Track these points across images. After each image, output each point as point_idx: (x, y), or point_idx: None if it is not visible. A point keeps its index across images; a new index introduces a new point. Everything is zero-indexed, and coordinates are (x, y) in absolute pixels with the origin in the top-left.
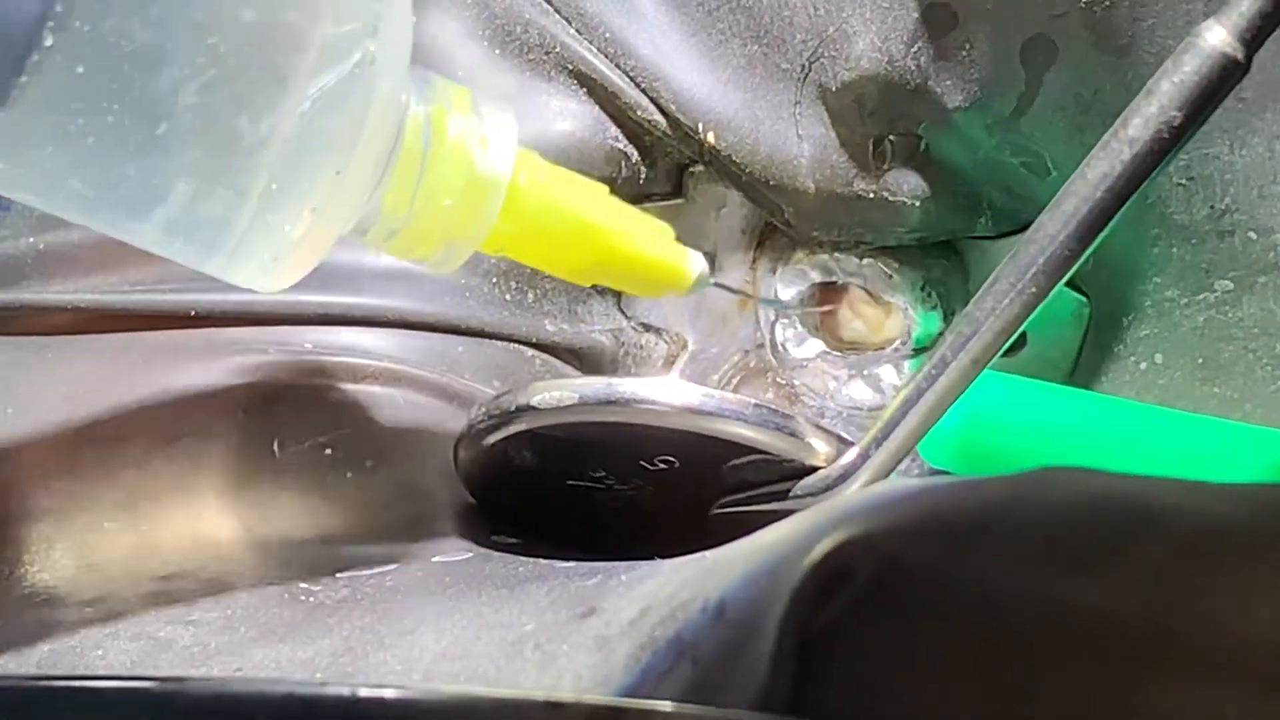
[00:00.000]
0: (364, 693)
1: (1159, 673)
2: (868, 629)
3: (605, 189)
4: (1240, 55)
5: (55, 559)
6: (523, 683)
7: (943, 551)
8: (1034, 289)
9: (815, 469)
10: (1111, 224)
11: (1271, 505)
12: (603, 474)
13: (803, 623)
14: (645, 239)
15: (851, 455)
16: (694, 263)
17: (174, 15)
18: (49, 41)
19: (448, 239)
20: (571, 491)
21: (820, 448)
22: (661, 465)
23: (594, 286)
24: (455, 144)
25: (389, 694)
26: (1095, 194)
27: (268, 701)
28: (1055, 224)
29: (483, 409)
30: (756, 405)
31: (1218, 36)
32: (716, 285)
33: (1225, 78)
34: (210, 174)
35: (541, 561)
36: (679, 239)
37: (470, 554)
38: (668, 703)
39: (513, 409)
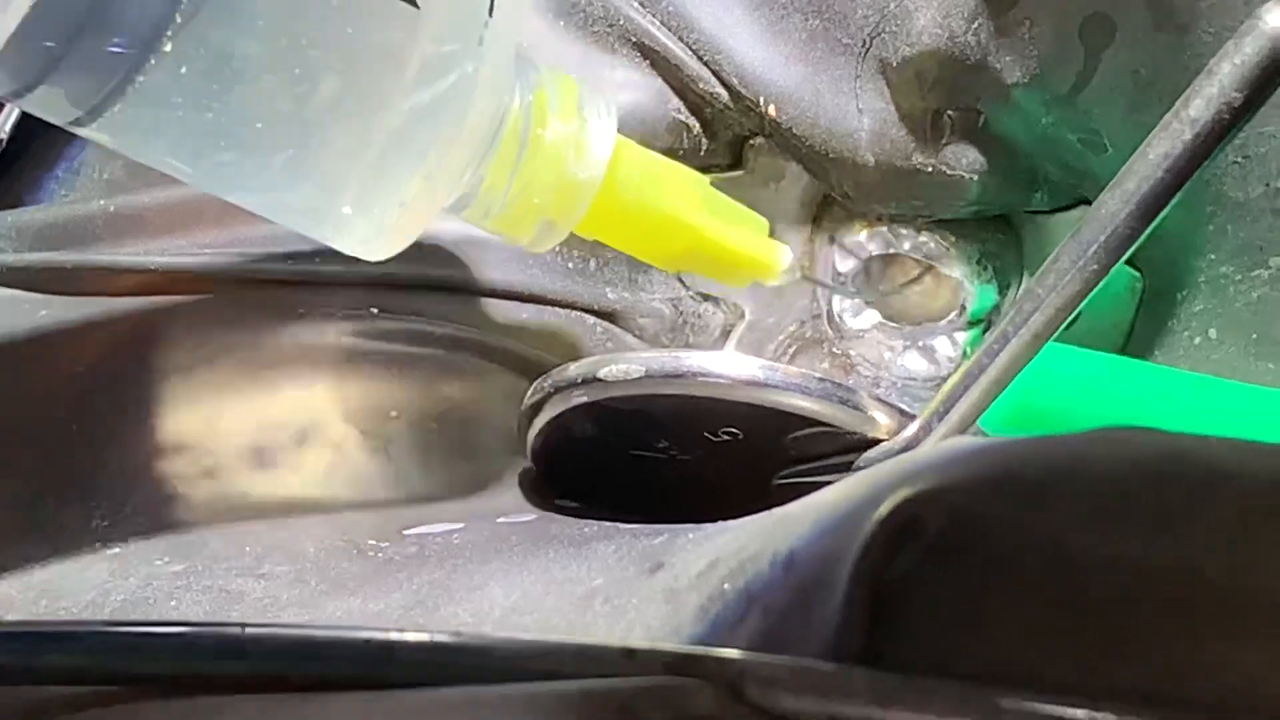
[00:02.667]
0: (442, 639)
1: (1228, 629)
2: (939, 582)
3: (704, 180)
4: None
5: (126, 514)
6: (594, 635)
7: (1014, 507)
8: (1095, 266)
9: (877, 441)
10: (1172, 203)
11: None
12: (666, 445)
13: (873, 575)
14: (735, 233)
15: (914, 428)
16: (782, 257)
17: (278, 29)
18: (168, 47)
19: (541, 224)
20: (634, 462)
21: (882, 420)
22: (725, 437)
23: None
24: (550, 147)
25: (468, 640)
26: (1156, 173)
27: (348, 647)
28: (1116, 202)
29: (548, 379)
30: (820, 379)
31: (1279, 19)
32: (805, 279)
33: None
34: (302, 172)
35: (606, 522)
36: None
37: (535, 515)
38: (739, 652)
39: (579, 380)
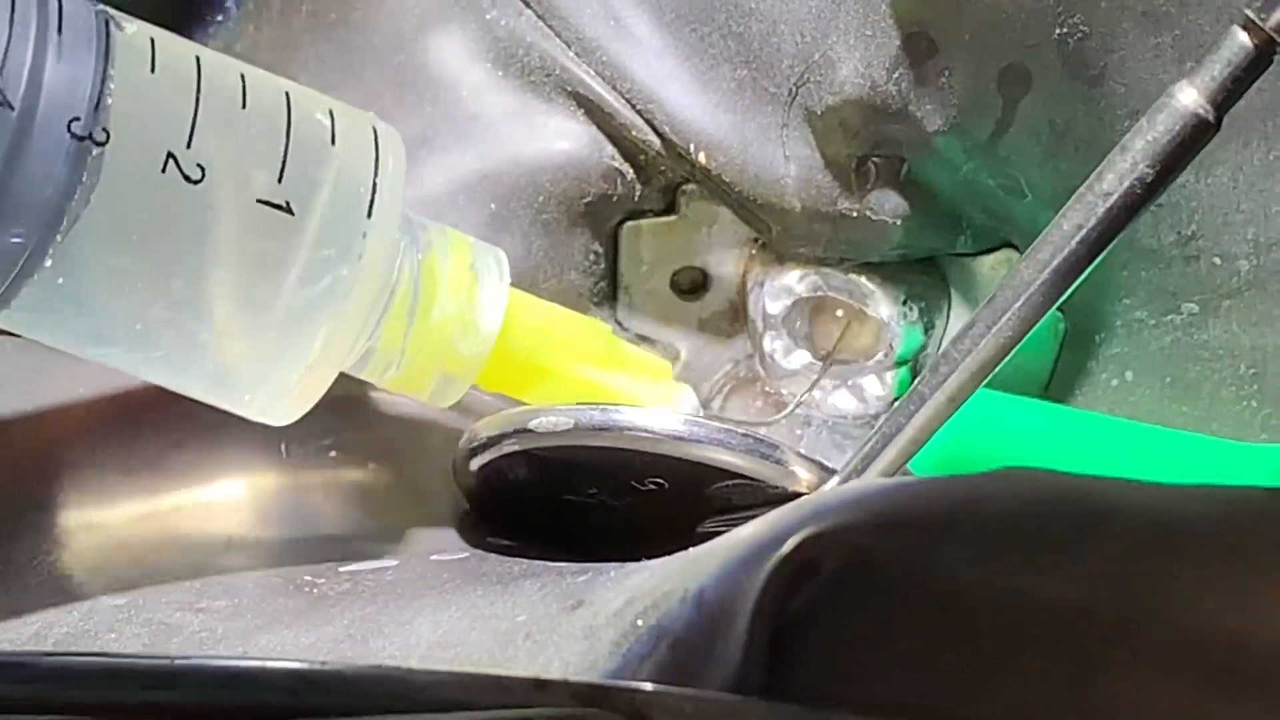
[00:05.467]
0: (362, 669)
1: (1116, 662)
2: (836, 618)
3: (605, 329)
4: (1211, 116)
5: (74, 548)
6: (514, 669)
7: (909, 545)
8: (1010, 332)
9: (798, 495)
10: (1086, 273)
11: (1226, 503)
12: (595, 491)
13: (774, 611)
14: (633, 384)
15: (833, 484)
16: (682, 404)
17: (150, 243)
18: (48, 262)
19: (437, 383)
20: (565, 506)
21: (802, 475)
22: (651, 486)
23: (591, 297)
24: (437, 326)
25: (388, 671)
26: (1069, 244)
27: (272, 677)
28: (1031, 271)
29: (482, 427)
30: (744, 434)
31: (1190, 98)
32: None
33: (1197, 137)
34: (181, 367)
35: (535, 561)
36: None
37: (467, 554)
38: (647, 684)
39: (510, 431)
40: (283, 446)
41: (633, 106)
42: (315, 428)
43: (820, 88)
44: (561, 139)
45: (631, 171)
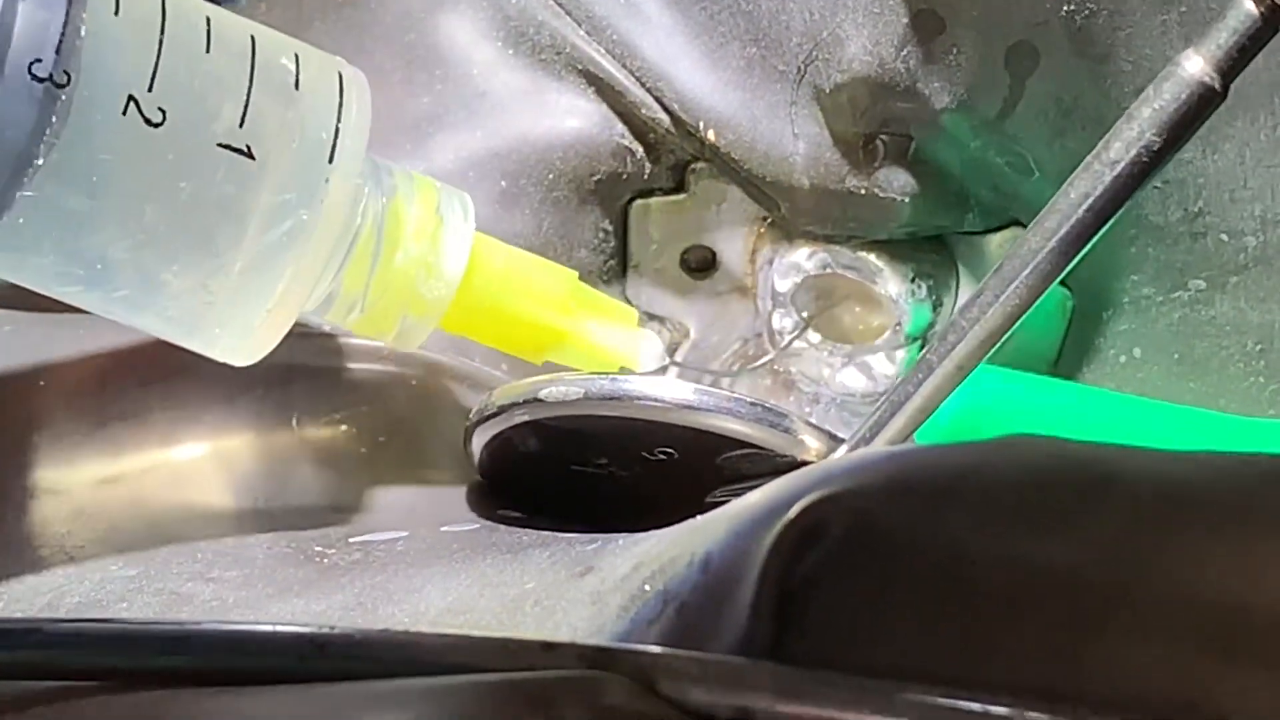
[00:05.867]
0: (371, 634)
1: (1116, 626)
2: (842, 582)
3: (570, 275)
4: (1217, 85)
5: (84, 523)
6: (522, 634)
7: (913, 510)
8: (1017, 300)
9: (806, 463)
10: (1093, 242)
11: (1229, 469)
12: (604, 462)
13: (781, 575)
14: (598, 329)
15: (841, 452)
16: (646, 349)
17: (111, 183)
18: (15, 215)
19: (400, 326)
20: (575, 476)
21: (811, 443)
22: (661, 456)
23: (601, 275)
24: (400, 270)
25: (395, 635)
26: (1076, 213)
27: (282, 641)
28: (1038, 239)
29: (491, 398)
30: (752, 403)
31: (1196, 66)
32: (676, 365)
33: (1203, 106)
34: (140, 307)
35: (545, 531)
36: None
37: (477, 525)
38: (654, 647)
39: (519, 401)
40: (294, 419)
41: (642, 84)
42: (326, 401)
43: (829, 65)
44: (571, 117)
45: (641, 149)
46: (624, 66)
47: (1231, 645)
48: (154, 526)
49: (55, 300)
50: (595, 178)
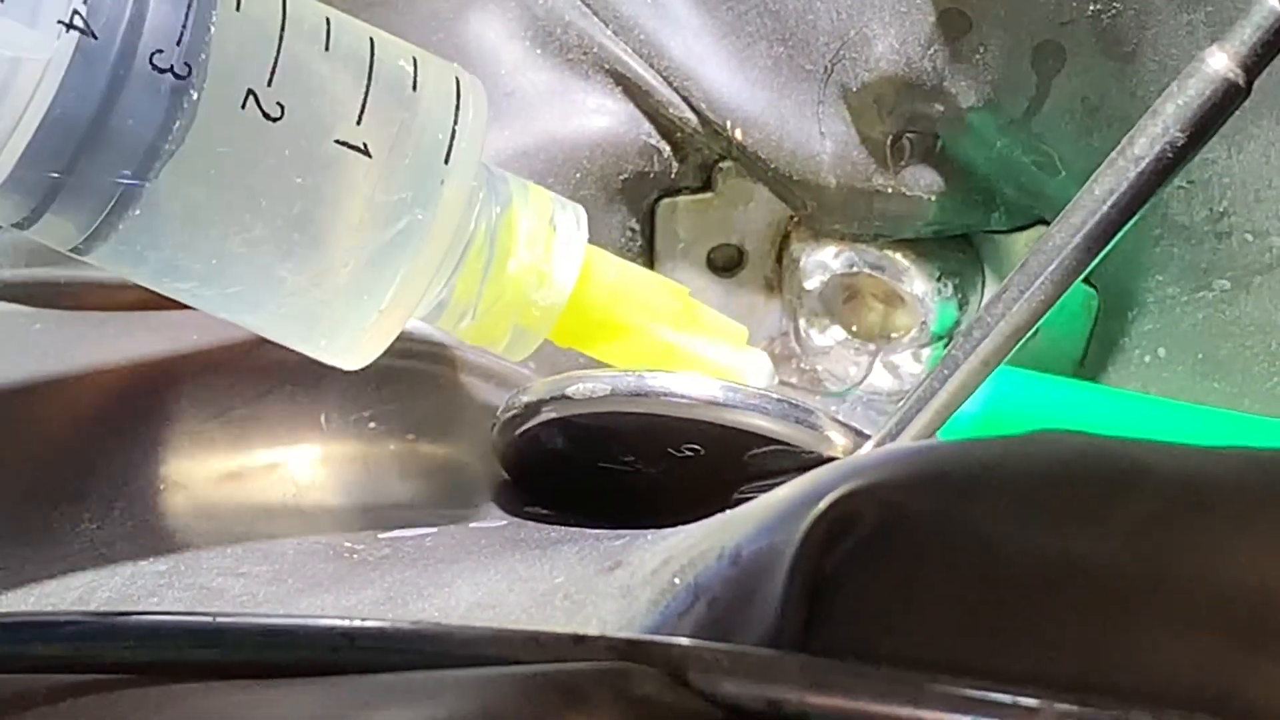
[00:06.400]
0: (402, 626)
1: (1143, 617)
2: (872, 573)
3: (682, 290)
4: (1241, 80)
5: (114, 518)
6: (551, 627)
7: (943, 503)
8: (1042, 296)
9: (833, 460)
10: (1117, 238)
11: (1256, 462)
12: (632, 459)
13: (811, 567)
14: (709, 346)
15: (868, 448)
16: (758, 367)
17: (229, 178)
18: (138, 208)
19: (513, 335)
20: (602, 473)
21: (838, 440)
22: (688, 453)
23: None
24: (513, 277)
25: (425, 627)
26: (1102, 208)
27: (314, 633)
28: (1063, 235)
29: (519, 395)
30: (779, 399)
31: (1220, 62)
32: (783, 384)
33: (1227, 102)
34: (254, 304)
35: (573, 527)
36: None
37: (506, 521)
38: (684, 639)
39: (547, 398)
40: (322, 417)
41: (669, 84)
42: (355, 399)
43: (856, 64)
44: (599, 116)
45: (668, 148)
46: (651, 66)
47: (1259, 636)
48: (182, 523)
49: (83, 299)
50: (622, 176)
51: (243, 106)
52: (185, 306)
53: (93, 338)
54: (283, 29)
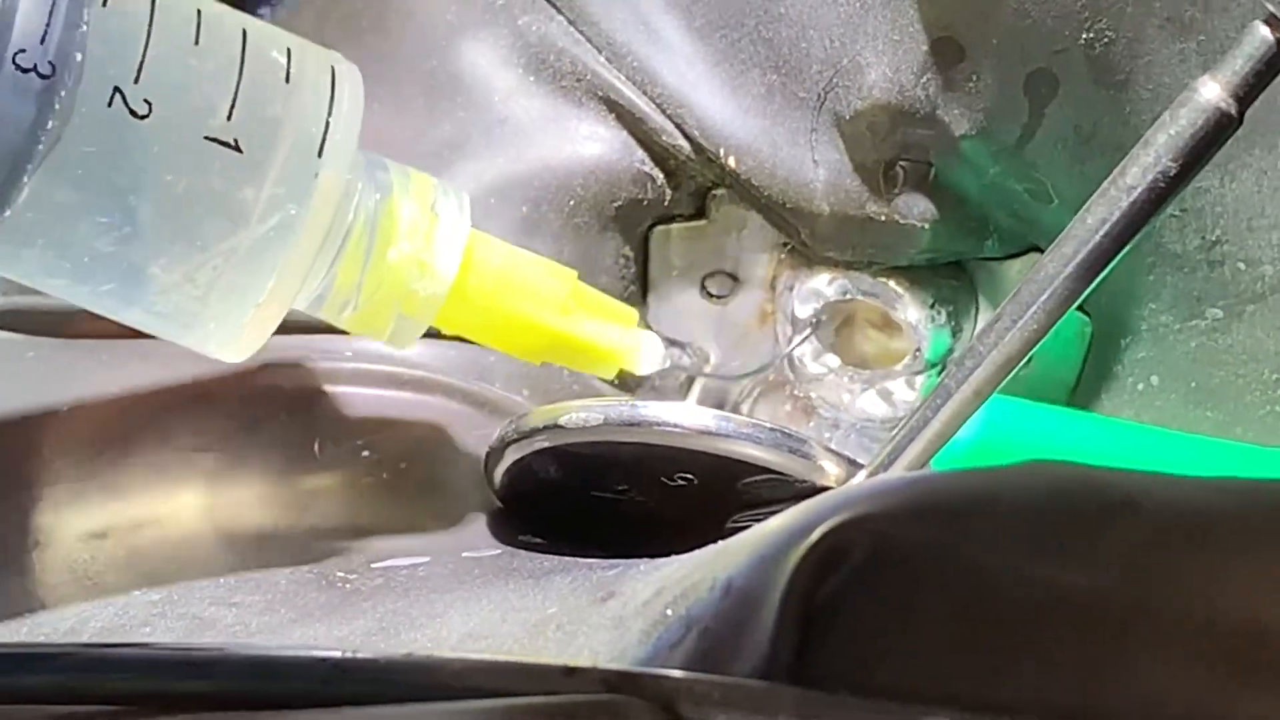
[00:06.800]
0: (394, 658)
1: (1135, 648)
2: (864, 604)
3: (569, 274)
4: (1233, 110)
5: (107, 547)
6: (544, 658)
7: (935, 532)
8: (1034, 326)
9: (826, 489)
10: (1110, 267)
11: (1246, 494)
12: (625, 487)
13: (803, 597)
14: (596, 329)
15: (860, 478)
16: (647, 350)
17: (96, 176)
18: (5, 213)
19: (395, 324)
20: (595, 502)
21: (831, 469)
22: (681, 481)
23: (621, 299)
24: (393, 267)
25: (416, 659)
26: (1094, 238)
27: (306, 665)
28: (1056, 264)
29: (512, 424)
30: (771, 428)
31: (1212, 92)
32: (675, 368)
33: (1219, 131)
34: (127, 302)
35: (566, 557)
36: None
37: (499, 551)
38: (677, 671)
39: (540, 427)
40: (316, 445)
41: (663, 111)
42: (348, 427)
43: (849, 92)
44: (592, 143)
45: (662, 176)
46: (644, 93)
47: (1250, 666)
48: (176, 553)
49: (77, 326)
50: (616, 204)
51: (109, 105)
52: None
53: (87, 365)
54: (151, 23)
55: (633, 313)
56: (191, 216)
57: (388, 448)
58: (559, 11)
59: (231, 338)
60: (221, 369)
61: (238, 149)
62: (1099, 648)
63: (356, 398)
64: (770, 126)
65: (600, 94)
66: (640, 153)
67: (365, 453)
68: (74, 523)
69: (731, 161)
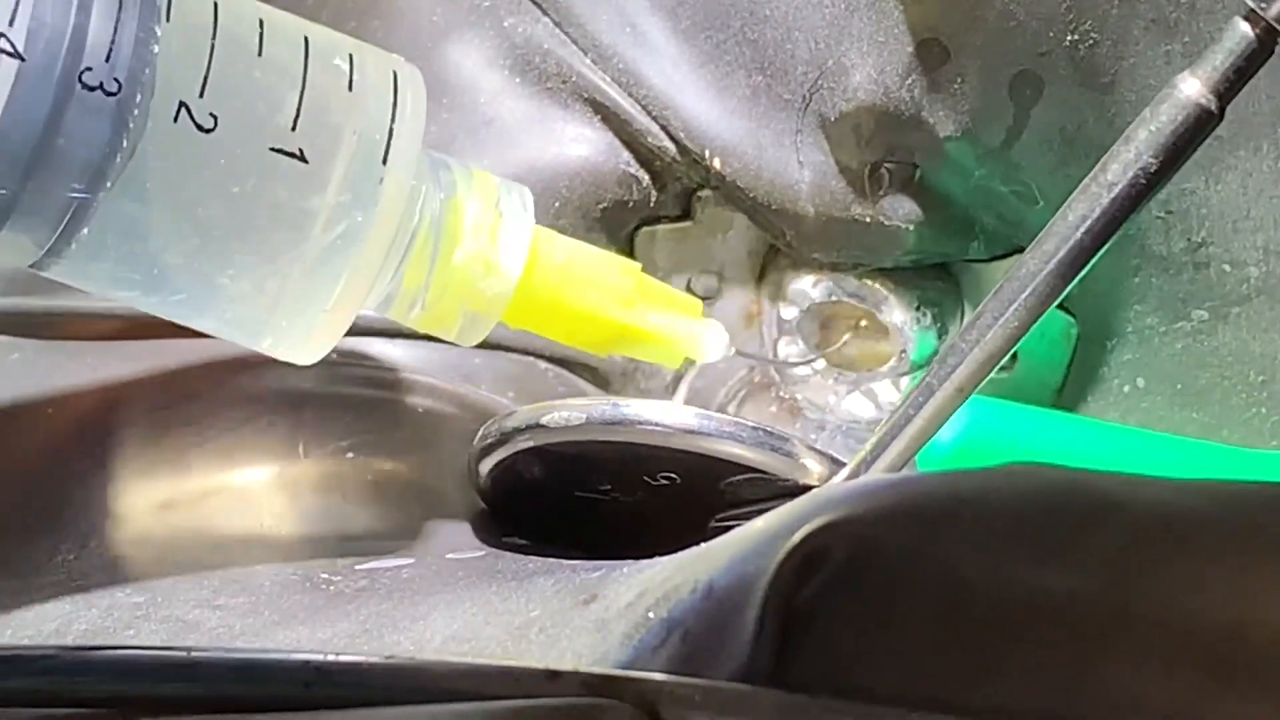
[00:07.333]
0: (376, 661)
1: (1115, 651)
2: (843, 607)
3: (633, 266)
4: (1214, 106)
5: (91, 549)
6: (527, 661)
7: (915, 536)
8: (1016, 323)
9: (809, 488)
10: (1091, 264)
11: (1226, 496)
12: (608, 487)
13: (783, 600)
14: (663, 320)
15: (843, 476)
16: (714, 339)
17: (164, 189)
18: (84, 230)
19: (463, 321)
20: (579, 502)
21: (813, 468)
22: (664, 481)
23: None
24: (459, 267)
25: (399, 662)
26: (1075, 234)
27: (288, 668)
28: (1037, 262)
29: (495, 425)
30: (754, 427)
31: (1193, 88)
32: (739, 354)
33: (1200, 127)
34: (200, 310)
35: (549, 558)
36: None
37: (482, 552)
38: (658, 674)
39: (523, 427)
40: (300, 447)
41: (648, 113)
42: (333, 428)
43: (834, 94)
44: (578, 145)
45: (647, 177)
46: (630, 95)
47: (1229, 669)
48: (159, 554)
49: (62, 329)
50: (601, 205)
51: (175, 120)
52: (162, 335)
53: (70, 367)
54: (214, 37)
55: (697, 303)
56: (258, 227)
57: (372, 449)
58: (545, 13)
59: (301, 342)
60: (205, 369)
61: (303, 159)
62: (1079, 651)
63: (341, 399)
64: (755, 128)
65: (586, 96)
66: (626, 154)
67: (350, 454)
68: (57, 525)
69: (717, 163)
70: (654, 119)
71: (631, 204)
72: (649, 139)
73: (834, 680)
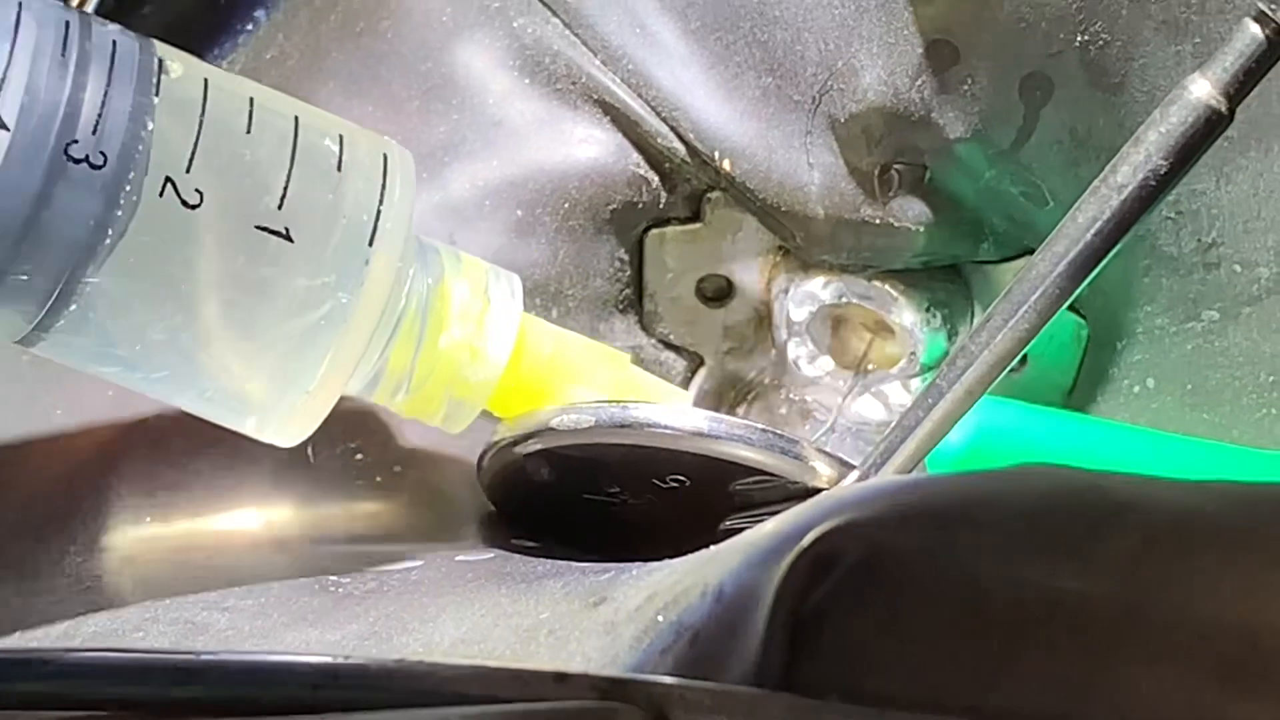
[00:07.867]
0: (385, 663)
1: (1128, 654)
2: (855, 610)
3: (622, 358)
4: (1224, 108)
5: (100, 549)
6: (536, 664)
7: (927, 538)
8: (1026, 325)
9: (819, 490)
10: (1101, 266)
11: (1239, 498)
12: (617, 490)
13: (794, 604)
14: None
15: (853, 478)
16: None
17: (148, 266)
18: (72, 306)
19: (448, 408)
20: (588, 505)
21: (823, 470)
22: (673, 484)
23: (616, 305)
24: (445, 353)
25: (408, 665)
26: (1085, 236)
27: (296, 671)
28: (1047, 263)
29: (505, 428)
30: (763, 430)
31: (1203, 90)
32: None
33: (1210, 129)
34: (180, 387)
35: (559, 561)
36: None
37: (492, 554)
38: (668, 677)
39: (533, 430)
40: (309, 449)
41: (658, 114)
42: (341, 431)
43: (844, 95)
44: (587, 146)
45: (657, 179)
46: (639, 96)
47: (1241, 673)
48: (168, 557)
49: None
50: (611, 207)
51: (161, 194)
52: None
53: (78, 375)
54: (203, 114)
55: (684, 394)
56: (242, 305)
57: (381, 451)
58: (554, 14)
59: (284, 423)
60: None
61: (289, 238)
62: (1091, 654)
63: (350, 402)
64: (765, 130)
65: (595, 97)
66: (635, 156)
67: (358, 456)
68: (66, 529)
69: (726, 165)
70: (664, 120)
71: (641, 205)
72: (659, 140)
73: (845, 683)
